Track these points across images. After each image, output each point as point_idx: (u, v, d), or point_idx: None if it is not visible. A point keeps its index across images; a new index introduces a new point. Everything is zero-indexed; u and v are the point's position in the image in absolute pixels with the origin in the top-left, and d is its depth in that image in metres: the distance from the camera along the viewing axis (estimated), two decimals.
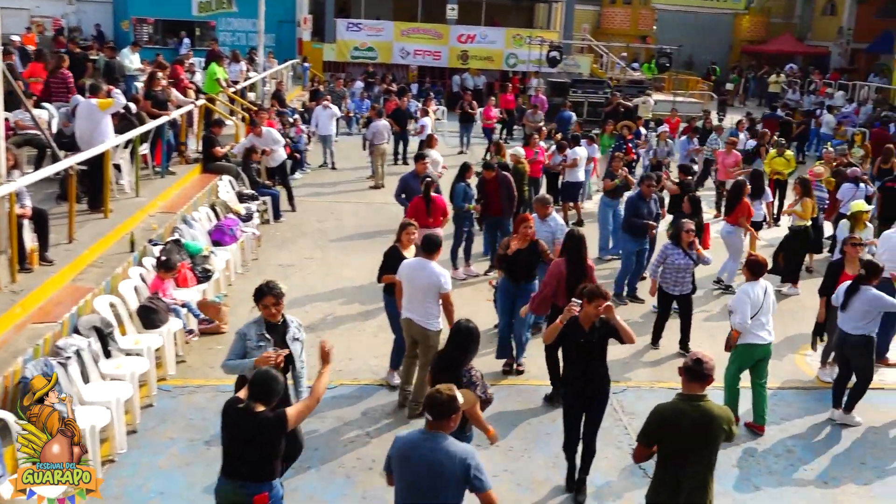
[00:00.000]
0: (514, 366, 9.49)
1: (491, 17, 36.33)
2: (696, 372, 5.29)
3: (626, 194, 12.62)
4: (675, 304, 10.19)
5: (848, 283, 8.56)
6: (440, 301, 7.99)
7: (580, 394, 6.83)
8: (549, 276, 8.58)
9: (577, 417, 6.91)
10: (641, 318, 11.39)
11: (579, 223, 15.67)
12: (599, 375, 6.85)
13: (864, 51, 41.13)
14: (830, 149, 17.57)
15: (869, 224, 11.71)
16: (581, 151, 16.13)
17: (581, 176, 16.24)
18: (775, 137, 18.08)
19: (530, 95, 27.26)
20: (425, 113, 21.87)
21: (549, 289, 8.51)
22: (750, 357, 8.29)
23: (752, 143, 18.82)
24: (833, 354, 9.37)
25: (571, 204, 16.06)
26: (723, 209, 13.84)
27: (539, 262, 9.22)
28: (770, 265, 13.60)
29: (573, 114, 23.41)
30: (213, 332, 9.83)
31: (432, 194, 11.27)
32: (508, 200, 12.49)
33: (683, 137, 18.97)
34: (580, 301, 6.70)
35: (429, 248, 8.04)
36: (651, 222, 11.83)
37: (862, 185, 14.00)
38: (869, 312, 8.34)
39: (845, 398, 8.75)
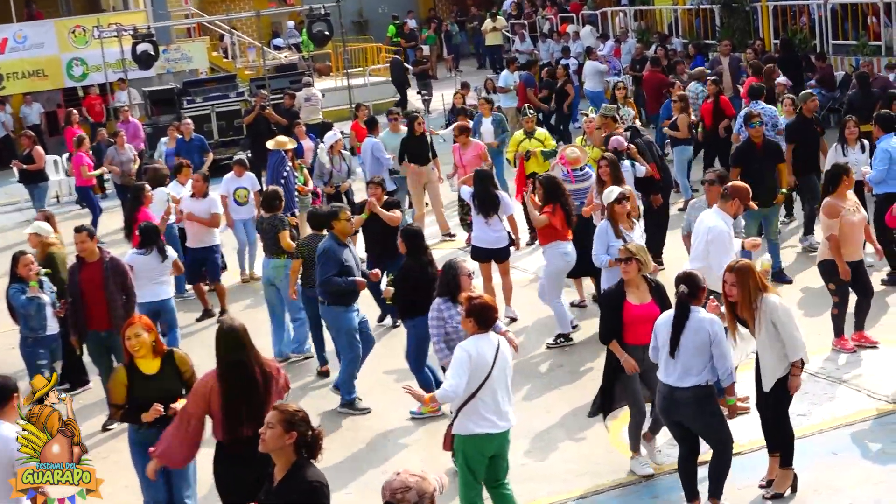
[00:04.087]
0: None
1: (28, 6, 35.75)
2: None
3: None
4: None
5: (668, 313, 9.25)
6: None
7: None
8: (191, 399, 8.70)
9: None
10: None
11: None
12: None
13: None
14: (592, 115, 18.71)
15: (636, 220, 12.85)
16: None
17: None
18: (529, 112, 18.95)
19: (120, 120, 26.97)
20: None
21: (184, 427, 8.59)
22: (479, 454, 8.77)
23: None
24: (647, 426, 10.23)
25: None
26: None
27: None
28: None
29: (203, 138, 23.34)
30: None
31: None
32: (125, 301, 12.49)
33: (376, 140, 19.64)
34: None
35: None
36: (361, 279, 12.31)
37: (626, 162, 15.10)
38: (704, 349, 9.04)
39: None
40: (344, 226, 12.53)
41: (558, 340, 13.76)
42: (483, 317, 8.72)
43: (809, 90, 17.98)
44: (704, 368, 9.04)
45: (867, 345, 12.64)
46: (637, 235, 12.41)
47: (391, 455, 11.41)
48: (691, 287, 9.12)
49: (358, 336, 12.47)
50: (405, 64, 35.22)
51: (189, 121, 23.51)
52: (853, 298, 12.58)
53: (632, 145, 15.56)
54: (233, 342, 8.63)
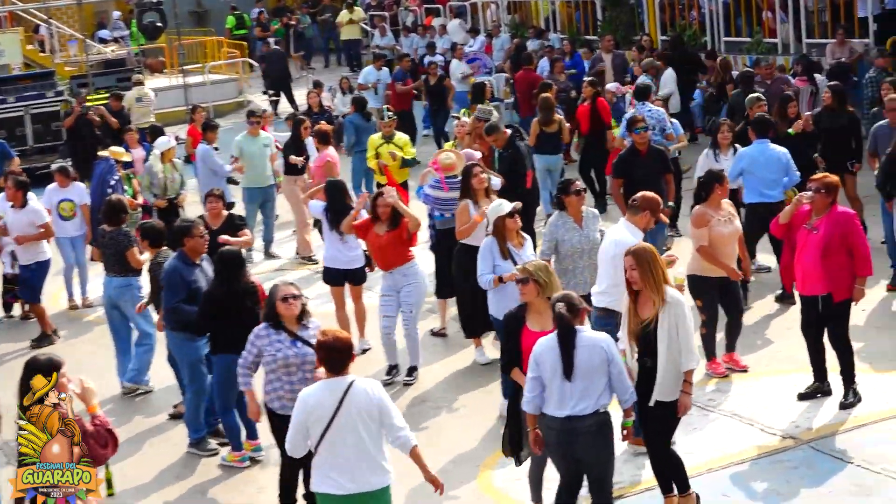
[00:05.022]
0: None
1: None
2: None
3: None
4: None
5: (547, 338, 9.15)
6: None
7: None
8: None
9: None
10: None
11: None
12: None
13: None
14: (464, 118, 18.88)
15: (527, 236, 12.79)
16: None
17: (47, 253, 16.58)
18: (387, 114, 18.86)
19: None
20: None
21: None
22: None
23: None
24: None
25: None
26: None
27: None
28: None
29: (4, 142, 23.11)
30: None
31: None
32: None
33: (207, 146, 19.48)
34: None
35: None
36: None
37: (493, 178, 15.10)
38: (601, 370, 9.01)
39: None
40: (197, 243, 12.28)
41: (413, 374, 13.81)
42: (328, 359, 8.50)
43: (756, 94, 17.95)
44: (603, 391, 9.02)
45: (737, 369, 12.92)
46: (528, 254, 12.34)
47: None
48: (570, 305, 9.05)
49: (204, 368, 12.29)
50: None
51: None
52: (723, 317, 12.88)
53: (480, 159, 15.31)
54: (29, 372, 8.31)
